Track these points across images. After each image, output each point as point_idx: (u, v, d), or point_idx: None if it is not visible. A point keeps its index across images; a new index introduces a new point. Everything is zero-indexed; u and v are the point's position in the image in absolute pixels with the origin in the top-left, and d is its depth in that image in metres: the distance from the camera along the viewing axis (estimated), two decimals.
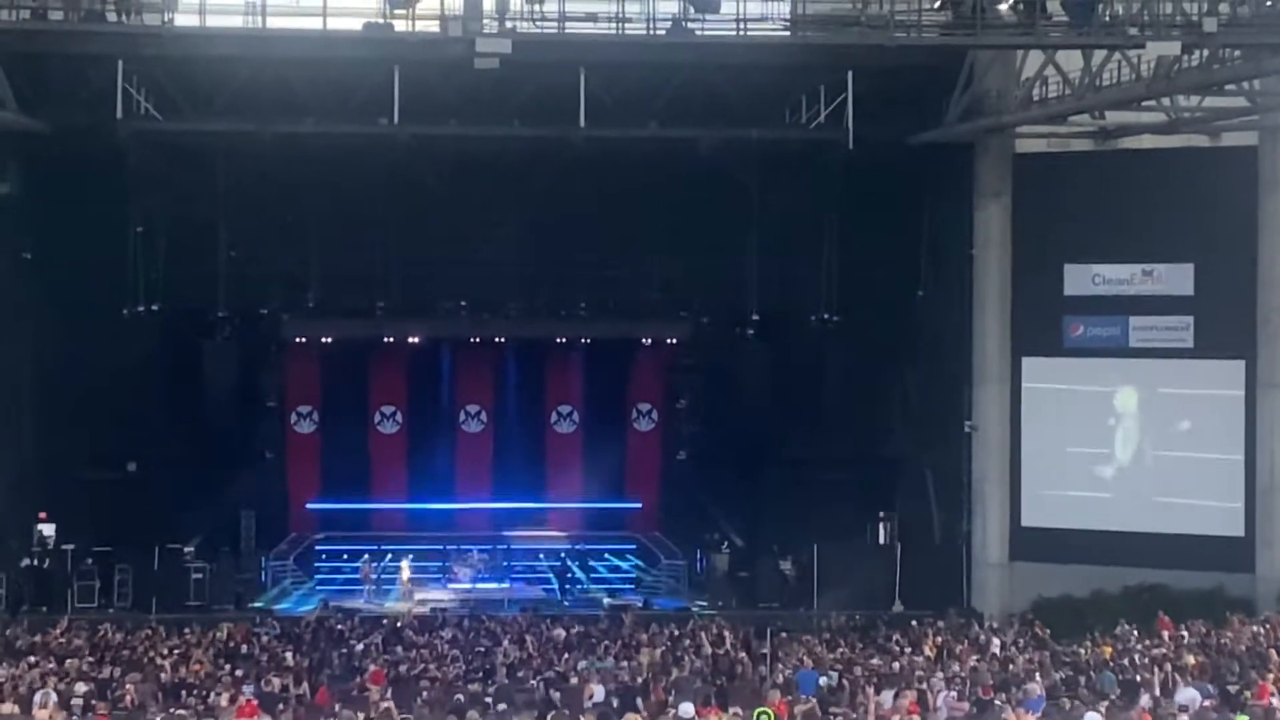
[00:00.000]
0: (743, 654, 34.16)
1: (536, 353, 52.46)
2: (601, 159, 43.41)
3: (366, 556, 49.49)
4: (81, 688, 27.23)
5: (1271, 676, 26.79)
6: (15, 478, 45.59)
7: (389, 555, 49.52)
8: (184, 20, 39.34)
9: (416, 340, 51.24)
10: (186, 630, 37.92)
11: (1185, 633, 34.79)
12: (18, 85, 40.71)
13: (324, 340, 50.46)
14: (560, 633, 38.40)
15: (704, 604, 46.80)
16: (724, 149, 43.53)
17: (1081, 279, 44.17)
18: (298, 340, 50.17)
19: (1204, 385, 43.18)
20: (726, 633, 37.05)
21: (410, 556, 49.10)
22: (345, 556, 50.12)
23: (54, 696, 25.22)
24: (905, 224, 46.68)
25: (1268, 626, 35.04)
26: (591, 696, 27.63)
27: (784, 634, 37.92)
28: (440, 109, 42.00)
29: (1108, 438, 44.54)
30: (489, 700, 26.34)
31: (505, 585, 49.74)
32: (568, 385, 53.16)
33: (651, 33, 39.20)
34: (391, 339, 50.79)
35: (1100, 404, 44.59)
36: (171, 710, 24.21)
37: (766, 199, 46.57)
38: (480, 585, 49.67)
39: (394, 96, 39.93)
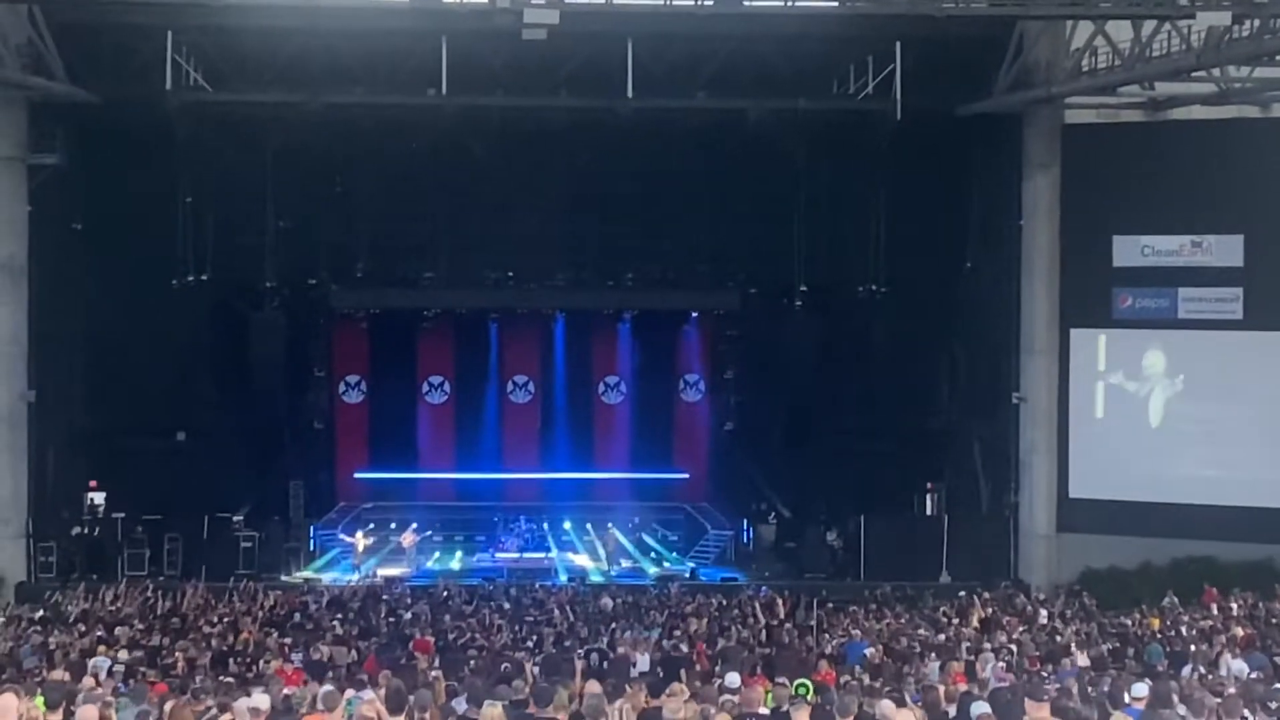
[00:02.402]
0: (789, 624, 34.21)
1: (584, 323, 52.47)
2: (649, 129, 43.43)
3: (414, 525, 49.73)
4: (131, 655, 27.40)
5: None
6: (66, 447, 45.83)
7: (396, 524, 49.90)
8: None
9: (464, 311, 51.38)
10: (235, 598, 38.13)
11: (1233, 604, 34.66)
12: (68, 56, 40.93)
13: (372, 311, 50.62)
14: (607, 602, 38.48)
15: (751, 574, 46.86)
16: (772, 120, 43.47)
17: (1130, 250, 43.99)
18: (346, 311, 50.33)
19: (1254, 356, 42.98)
20: (779, 601, 37.07)
21: (368, 528, 49.11)
22: (393, 526, 50.23)
23: (106, 664, 25.39)
24: (953, 195, 46.59)
25: None
26: (637, 666, 27.71)
27: (830, 604, 37.93)
28: (488, 80, 42.06)
29: (1156, 409, 44.40)
30: (536, 670, 26.40)
31: (552, 554, 49.83)
32: (615, 356, 53.19)
33: (699, 3, 39.18)
34: (439, 309, 50.89)
35: (1149, 375, 44.44)
36: (220, 678, 24.33)
37: (814, 170, 46.48)
38: (527, 555, 49.80)
39: (442, 67, 40.02)
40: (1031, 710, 15.85)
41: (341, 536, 48.76)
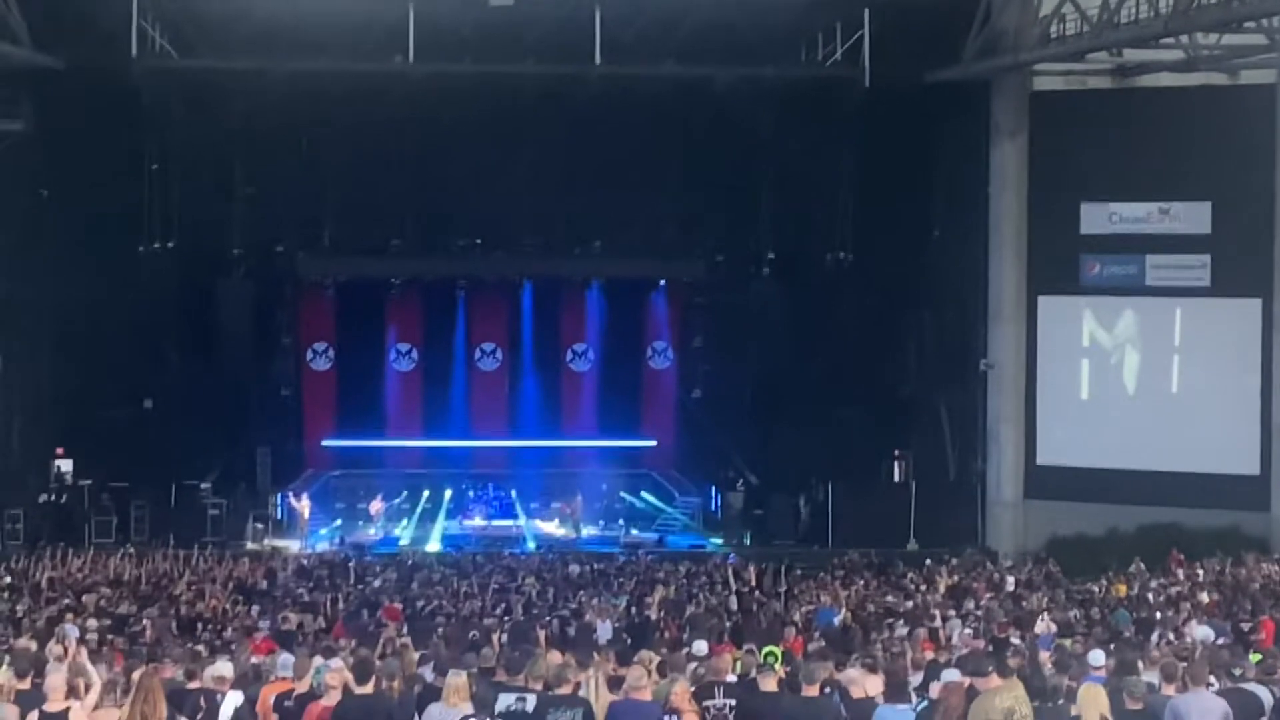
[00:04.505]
0: (758, 591, 34.25)
1: (552, 291, 52.34)
2: (617, 97, 43.35)
3: (382, 493, 49.73)
4: (98, 623, 27.34)
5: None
6: (33, 414, 45.75)
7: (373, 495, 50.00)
8: None
9: (432, 278, 51.30)
10: (202, 566, 38.08)
11: (1200, 570, 34.79)
12: (32, 22, 40.71)
13: (339, 278, 50.50)
14: (575, 570, 38.51)
15: (719, 542, 46.94)
16: (740, 87, 43.40)
17: (1098, 217, 44.10)
18: (313, 278, 50.22)
19: (1220, 323, 43.16)
20: (750, 569, 37.08)
21: (307, 494, 49.07)
22: (360, 493, 50.24)
23: (72, 631, 25.31)
24: (921, 163, 46.54)
25: None
26: (605, 633, 27.73)
27: (798, 572, 37.99)
28: (455, 47, 41.90)
29: (1123, 376, 44.56)
30: (504, 637, 26.41)
31: (520, 522, 49.83)
32: (583, 323, 53.04)
33: None
34: (407, 277, 50.79)
35: (1116, 342, 44.58)
36: (188, 645, 24.29)
37: (782, 137, 46.48)
38: (495, 522, 49.82)
39: (409, 34, 39.89)
40: (981, 686, 15.84)
41: (290, 500, 48.57)
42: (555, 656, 19.20)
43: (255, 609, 30.96)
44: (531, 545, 46.21)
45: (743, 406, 50.79)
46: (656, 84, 43.46)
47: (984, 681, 15.84)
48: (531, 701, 16.50)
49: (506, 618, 30.10)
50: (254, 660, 21.23)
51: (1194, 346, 43.74)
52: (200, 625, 28.94)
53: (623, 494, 51.10)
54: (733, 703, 17.54)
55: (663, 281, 51.97)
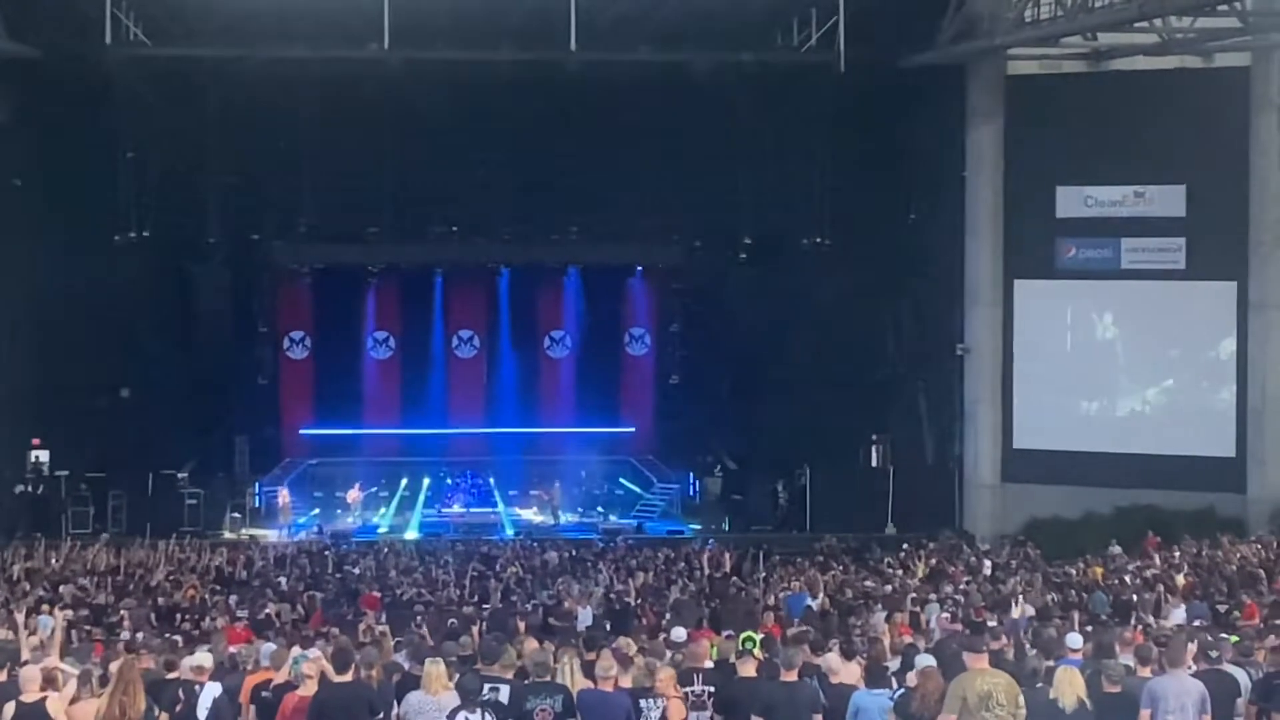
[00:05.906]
0: (736, 577, 34.28)
1: (529, 277, 52.37)
2: (594, 83, 43.26)
3: (359, 481, 49.77)
4: (76, 613, 27.29)
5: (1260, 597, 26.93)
6: (8, 404, 45.55)
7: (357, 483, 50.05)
8: None
9: (409, 265, 51.26)
10: (180, 555, 38.01)
11: (1176, 552, 34.85)
12: (7, 12, 40.55)
13: (316, 266, 50.47)
14: (553, 556, 38.52)
15: (697, 527, 46.98)
16: (716, 72, 43.35)
17: (1074, 201, 44.10)
18: (290, 266, 50.20)
19: (1196, 306, 43.21)
20: (729, 555, 37.10)
21: (285, 485, 49.08)
22: (338, 481, 50.27)
23: (50, 622, 25.27)
24: (897, 147, 46.50)
25: (1258, 547, 35.13)
26: (583, 620, 27.75)
27: (777, 557, 38.02)
28: (431, 33, 41.78)
29: (1099, 359, 44.60)
30: (483, 624, 26.42)
31: (499, 509, 49.85)
32: (560, 310, 53.12)
33: None
34: (384, 264, 50.76)
35: (1092, 325, 44.65)
36: (166, 635, 24.27)
37: (758, 123, 46.53)
38: (474, 510, 49.83)
39: (385, 21, 39.80)
40: (970, 662, 15.90)
41: (282, 491, 48.58)
42: (532, 644, 19.24)
43: (234, 599, 30.93)
44: (510, 532, 46.24)
45: (721, 392, 50.89)
46: (633, 70, 43.36)
47: (972, 658, 15.90)
48: (505, 691, 16.52)
49: (484, 606, 30.12)
50: (231, 650, 21.22)
51: (1169, 329, 43.80)
52: (179, 615, 28.91)
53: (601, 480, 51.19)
54: (711, 689, 17.61)
55: (640, 267, 52.07)
